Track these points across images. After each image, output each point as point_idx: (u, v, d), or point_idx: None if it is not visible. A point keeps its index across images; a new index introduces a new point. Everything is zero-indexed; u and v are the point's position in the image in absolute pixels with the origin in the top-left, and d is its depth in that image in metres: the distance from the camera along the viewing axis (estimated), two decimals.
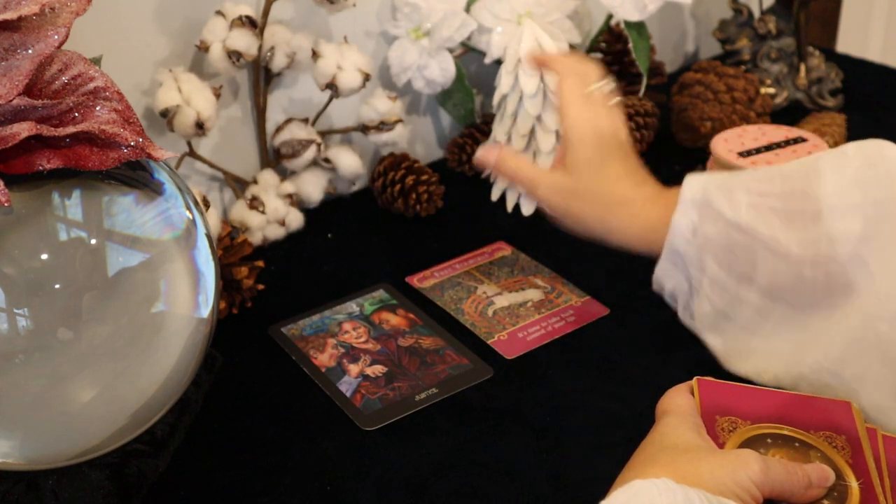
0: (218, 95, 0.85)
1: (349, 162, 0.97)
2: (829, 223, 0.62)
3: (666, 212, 0.69)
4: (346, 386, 0.77)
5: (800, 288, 0.64)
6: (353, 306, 0.86)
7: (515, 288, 0.88)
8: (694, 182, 0.69)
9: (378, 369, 0.78)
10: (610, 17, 1.09)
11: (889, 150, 0.64)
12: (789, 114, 1.14)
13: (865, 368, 0.62)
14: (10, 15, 0.56)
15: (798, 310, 0.65)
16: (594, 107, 0.74)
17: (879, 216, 0.61)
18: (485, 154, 0.79)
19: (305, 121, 0.95)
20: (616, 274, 0.88)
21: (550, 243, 0.93)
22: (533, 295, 0.87)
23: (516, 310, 0.85)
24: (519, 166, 0.77)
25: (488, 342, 0.81)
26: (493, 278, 0.90)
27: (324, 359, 0.80)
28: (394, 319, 0.84)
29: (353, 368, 0.79)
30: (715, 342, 0.70)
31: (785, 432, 0.58)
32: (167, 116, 0.83)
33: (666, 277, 0.71)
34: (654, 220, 0.70)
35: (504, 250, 0.94)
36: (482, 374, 0.77)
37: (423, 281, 0.90)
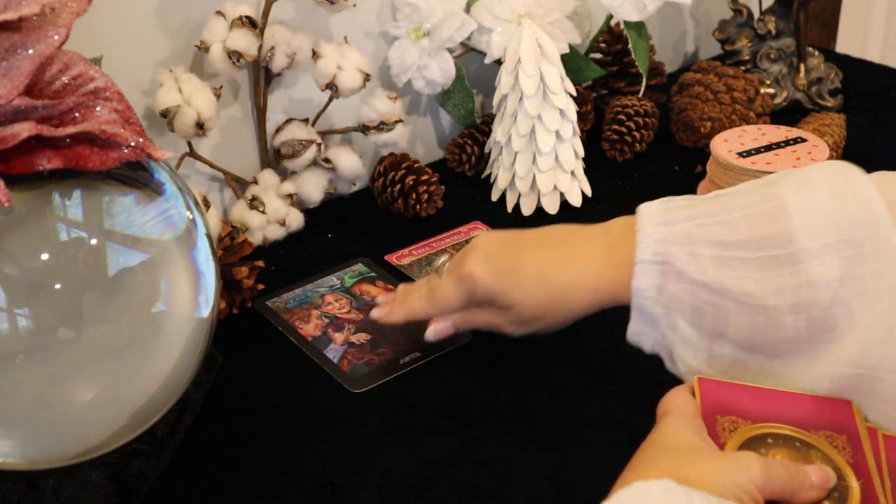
0: (218, 96, 0.85)
1: (349, 162, 0.97)
2: (806, 267, 0.59)
3: (625, 273, 0.65)
4: (333, 353, 0.79)
5: (779, 338, 0.61)
6: (333, 279, 0.89)
7: None
8: (649, 235, 0.64)
9: (362, 337, 0.81)
10: (610, 17, 1.09)
11: (855, 179, 0.60)
12: (789, 114, 1.14)
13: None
14: (10, 15, 0.56)
15: (775, 358, 0.62)
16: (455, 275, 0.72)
17: (858, 256, 0.58)
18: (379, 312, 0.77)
19: (305, 121, 0.95)
20: None
21: None
22: None
23: None
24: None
25: None
26: None
27: (309, 329, 0.82)
28: (374, 291, 0.87)
29: (339, 337, 0.81)
30: None
31: (785, 432, 0.58)
32: (167, 116, 0.83)
33: (641, 336, 0.66)
34: (615, 285, 0.66)
35: (480, 229, 0.96)
36: (461, 338, 0.79)
37: (402, 259, 0.92)
